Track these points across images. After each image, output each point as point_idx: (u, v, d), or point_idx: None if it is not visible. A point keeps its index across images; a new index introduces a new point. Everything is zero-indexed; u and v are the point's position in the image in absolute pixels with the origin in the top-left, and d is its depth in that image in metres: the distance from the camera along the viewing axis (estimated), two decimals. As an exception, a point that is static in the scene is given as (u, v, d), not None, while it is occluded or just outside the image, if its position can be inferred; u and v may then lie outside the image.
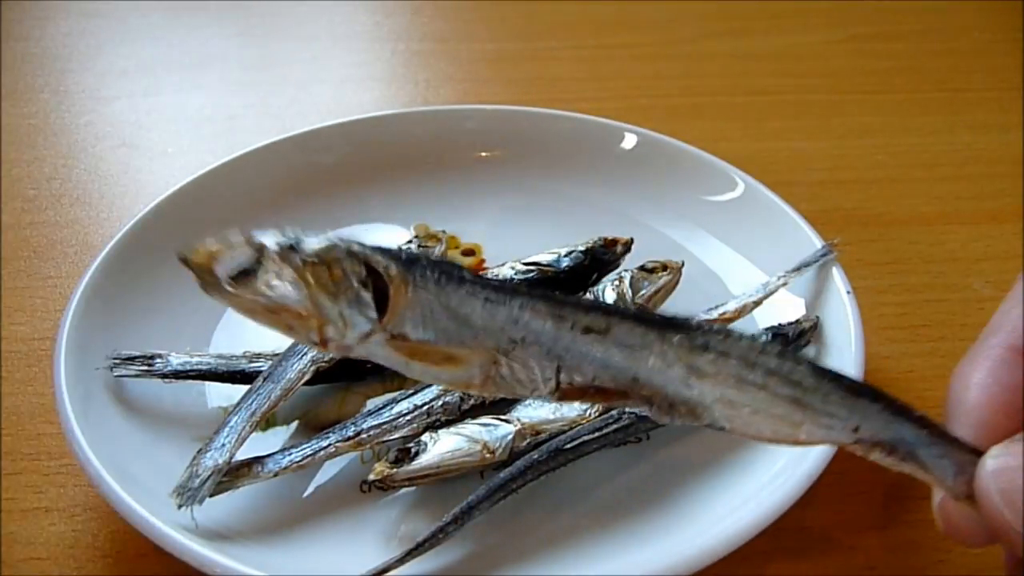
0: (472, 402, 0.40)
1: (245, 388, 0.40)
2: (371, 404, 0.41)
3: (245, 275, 0.27)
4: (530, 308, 0.28)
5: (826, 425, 0.28)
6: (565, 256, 0.47)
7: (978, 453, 0.28)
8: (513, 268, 0.46)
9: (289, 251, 0.27)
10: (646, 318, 0.28)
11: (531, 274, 0.46)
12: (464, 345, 0.28)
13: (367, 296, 0.27)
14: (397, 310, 0.27)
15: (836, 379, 0.28)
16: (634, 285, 0.45)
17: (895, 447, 0.28)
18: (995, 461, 0.27)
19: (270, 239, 0.27)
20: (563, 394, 0.28)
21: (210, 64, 0.77)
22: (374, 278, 0.27)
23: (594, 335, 0.28)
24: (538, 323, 0.28)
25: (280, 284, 0.27)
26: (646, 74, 0.75)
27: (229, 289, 0.27)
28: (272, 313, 0.27)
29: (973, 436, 0.29)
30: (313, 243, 0.27)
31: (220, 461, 0.36)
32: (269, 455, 0.37)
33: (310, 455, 0.37)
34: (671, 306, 0.46)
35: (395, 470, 0.36)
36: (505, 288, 0.28)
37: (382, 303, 0.27)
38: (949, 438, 0.28)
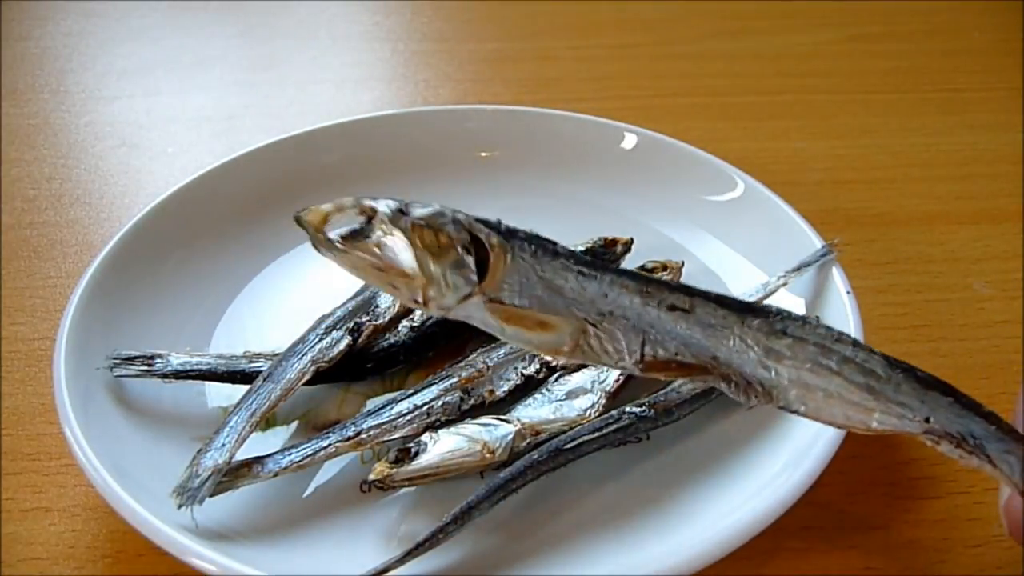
0: (472, 402, 0.40)
1: (245, 388, 0.40)
2: (371, 404, 0.41)
3: (355, 235, 0.29)
4: (619, 284, 0.29)
5: (898, 414, 0.29)
6: (565, 256, 0.47)
7: None
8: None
9: (399, 214, 0.29)
10: (727, 301, 0.30)
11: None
12: (556, 314, 0.29)
13: (469, 261, 0.29)
14: (496, 276, 0.29)
15: (909, 371, 0.29)
16: (634, 285, 0.45)
17: (964, 440, 0.29)
18: None
19: (381, 203, 0.29)
20: (647, 366, 0.30)
21: (210, 64, 0.77)
22: (476, 246, 0.29)
23: (678, 313, 0.29)
24: (626, 298, 0.29)
25: (389, 244, 0.29)
26: (646, 74, 0.75)
27: (340, 247, 0.29)
28: (380, 271, 0.29)
29: None
30: (421, 209, 0.29)
31: (220, 461, 0.36)
32: (269, 455, 0.37)
33: (310, 455, 0.37)
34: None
35: (395, 470, 0.36)
36: (596, 264, 0.29)
37: (482, 269, 0.29)
38: (1017, 435, 0.28)
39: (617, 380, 0.40)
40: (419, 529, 0.35)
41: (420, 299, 0.29)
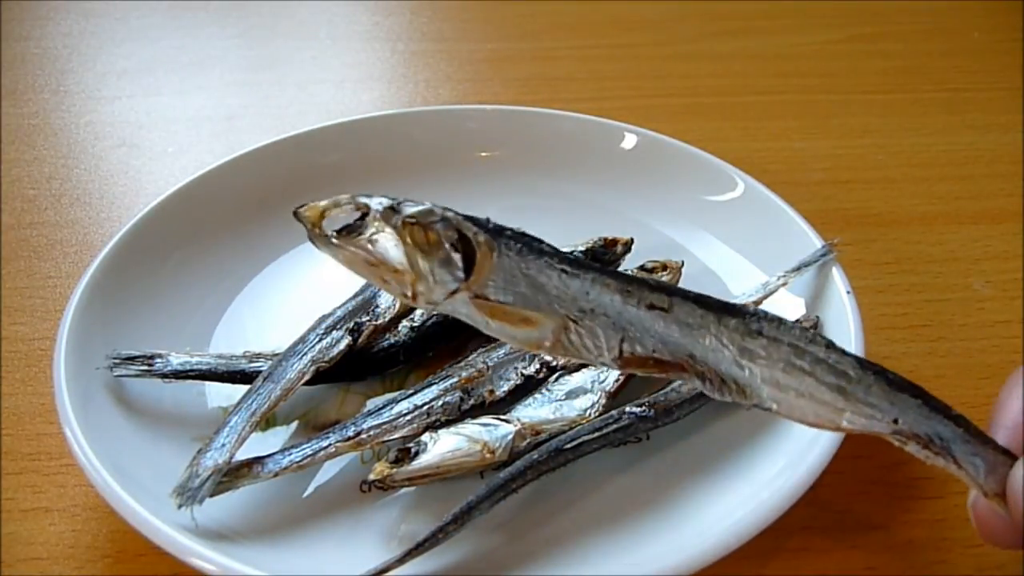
0: (472, 402, 0.40)
1: (245, 388, 0.40)
2: (371, 404, 0.41)
3: (350, 231, 0.30)
4: (601, 282, 0.30)
5: (867, 415, 0.30)
6: (565, 256, 0.47)
7: (1012, 456, 0.29)
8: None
9: (391, 212, 0.30)
10: (705, 301, 0.31)
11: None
12: (539, 310, 0.30)
13: (457, 258, 0.30)
14: (482, 273, 0.30)
15: (880, 373, 0.30)
16: (634, 285, 0.45)
17: (931, 441, 0.29)
18: None
19: (375, 201, 0.30)
20: (625, 362, 0.31)
21: (210, 64, 0.77)
22: (463, 243, 0.30)
23: (657, 311, 0.30)
24: (607, 296, 0.30)
25: (381, 241, 0.30)
26: (646, 74, 0.75)
27: (335, 242, 0.31)
28: (372, 266, 0.30)
29: (1010, 441, 0.30)
30: (412, 207, 0.30)
31: (220, 461, 0.36)
32: (269, 455, 0.37)
33: (310, 455, 0.37)
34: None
35: (395, 470, 0.36)
36: (579, 263, 0.31)
37: (469, 266, 0.30)
38: (984, 438, 0.29)
39: (617, 380, 0.40)
40: (419, 529, 0.35)
41: (409, 294, 0.30)
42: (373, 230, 0.30)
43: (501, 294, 0.30)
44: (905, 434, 0.29)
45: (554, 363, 0.42)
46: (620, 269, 0.47)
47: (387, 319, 0.44)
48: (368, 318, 0.43)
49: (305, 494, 0.38)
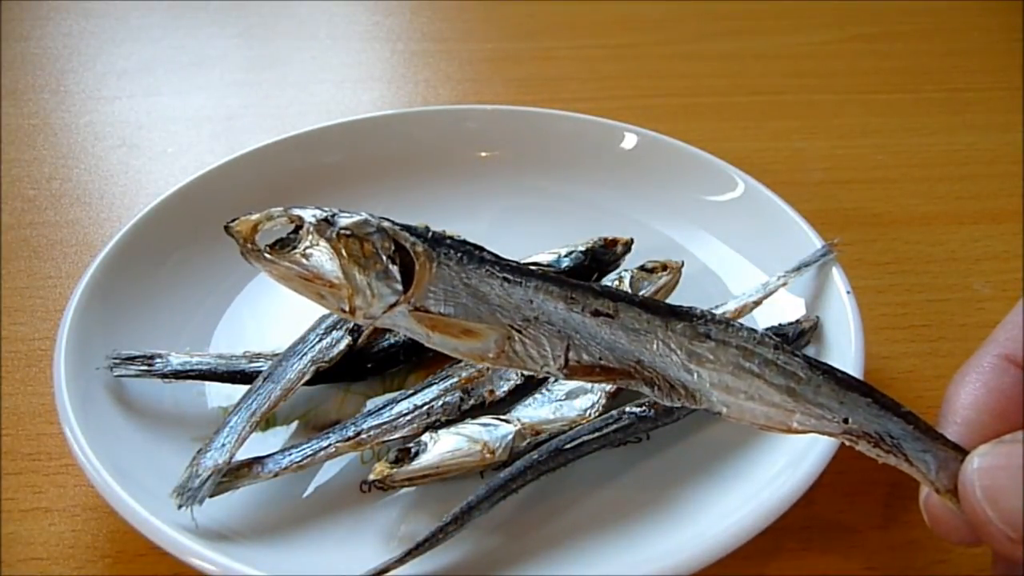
0: (472, 402, 0.40)
1: (245, 388, 0.40)
2: (371, 404, 0.41)
3: (283, 245, 0.30)
4: (544, 290, 0.30)
5: (817, 415, 0.29)
6: (565, 256, 0.47)
7: (962, 452, 0.29)
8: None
9: (325, 224, 0.29)
10: (651, 305, 0.30)
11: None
12: (481, 320, 0.30)
13: (394, 270, 0.29)
14: (421, 285, 0.29)
15: (829, 372, 0.30)
16: (634, 285, 0.45)
17: (881, 440, 0.29)
18: (980, 459, 0.28)
19: (308, 213, 0.30)
20: (571, 371, 0.30)
21: (210, 64, 0.77)
22: (401, 254, 0.29)
23: (603, 318, 0.30)
24: (551, 304, 0.30)
25: (315, 255, 0.29)
26: (646, 74, 0.75)
27: (268, 257, 0.30)
28: (306, 281, 0.30)
29: (960, 436, 0.30)
30: (347, 218, 0.29)
31: (220, 461, 0.36)
32: (269, 455, 0.37)
33: (310, 455, 0.37)
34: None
35: (395, 470, 0.36)
36: (522, 270, 0.30)
37: (408, 277, 0.29)
38: (934, 435, 0.29)
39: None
40: (419, 529, 0.35)
41: (347, 308, 0.30)
42: (307, 244, 0.30)
43: (442, 305, 0.30)
44: (855, 433, 0.29)
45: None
46: (620, 269, 0.47)
47: (387, 319, 0.44)
48: (368, 318, 0.43)
49: (305, 494, 0.38)
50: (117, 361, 0.41)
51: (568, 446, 0.38)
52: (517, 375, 0.41)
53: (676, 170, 0.54)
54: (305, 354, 0.41)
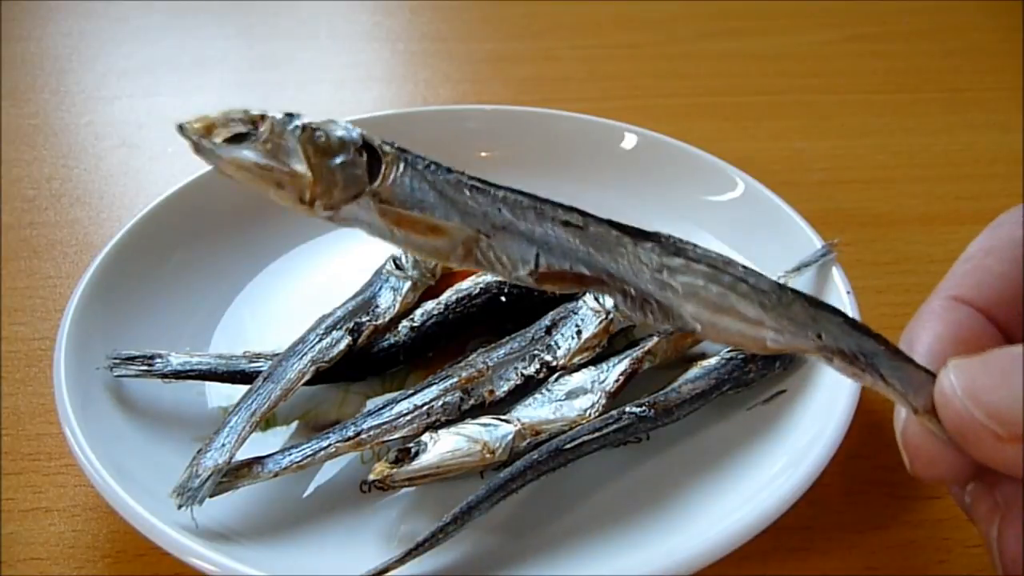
0: (472, 402, 0.40)
1: (245, 388, 0.40)
2: (371, 404, 0.41)
3: (240, 138, 0.28)
4: (512, 201, 0.30)
5: (791, 331, 0.29)
6: (565, 256, 0.47)
7: (933, 376, 0.28)
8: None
9: (287, 117, 0.28)
10: (621, 224, 0.30)
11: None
12: (448, 220, 0.29)
13: (361, 160, 0.28)
14: (388, 178, 0.29)
15: (798, 293, 0.29)
16: (634, 285, 0.45)
17: (856, 357, 0.29)
18: (956, 366, 0.27)
19: (272, 112, 0.28)
20: (542, 277, 0.30)
21: (210, 64, 0.77)
22: (368, 151, 0.29)
23: (573, 229, 0.30)
24: (520, 212, 0.30)
25: (275, 145, 0.28)
26: (646, 74, 0.75)
27: (222, 151, 0.28)
28: (264, 171, 0.28)
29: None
30: (313, 118, 0.29)
31: (220, 461, 0.36)
32: (269, 455, 0.37)
33: (310, 455, 0.37)
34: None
35: (395, 470, 0.36)
36: (491, 183, 0.30)
37: (374, 171, 0.29)
38: (906, 356, 0.29)
39: (617, 380, 0.40)
40: (419, 529, 0.35)
41: (307, 198, 0.28)
42: (266, 136, 0.28)
43: (408, 201, 0.29)
44: (830, 349, 0.29)
45: (554, 363, 0.42)
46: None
47: (387, 319, 0.44)
48: (368, 318, 0.43)
49: (305, 494, 0.38)
50: (117, 361, 0.41)
51: (568, 446, 0.38)
52: (517, 375, 0.41)
53: (676, 170, 0.54)
54: (305, 354, 0.41)
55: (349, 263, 0.49)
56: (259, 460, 0.37)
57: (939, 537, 0.38)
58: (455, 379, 0.40)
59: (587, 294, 0.45)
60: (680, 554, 0.33)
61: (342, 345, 0.42)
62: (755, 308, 0.29)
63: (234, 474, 0.36)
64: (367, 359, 0.43)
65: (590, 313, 0.43)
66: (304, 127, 0.28)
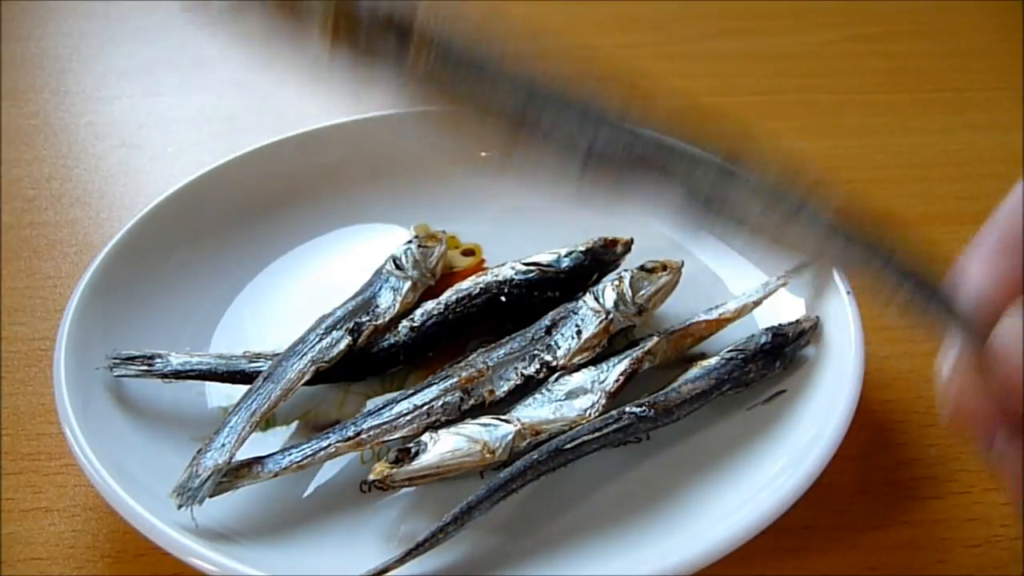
0: (472, 402, 0.40)
1: (245, 388, 0.40)
2: (371, 404, 0.41)
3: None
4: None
5: (858, 251, 0.31)
6: (565, 256, 0.47)
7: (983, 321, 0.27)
8: (513, 268, 0.46)
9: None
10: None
11: (531, 274, 0.46)
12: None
13: None
14: None
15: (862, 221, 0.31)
16: (634, 285, 0.45)
17: (918, 287, 0.30)
18: (1016, 315, 0.26)
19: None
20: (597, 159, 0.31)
21: (210, 64, 0.77)
22: None
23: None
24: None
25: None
26: (646, 74, 0.75)
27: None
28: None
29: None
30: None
31: (220, 461, 0.36)
32: (269, 455, 0.37)
33: (310, 455, 0.37)
34: (671, 306, 0.46)
35: (395, 470, 0.36)
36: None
37: None
38: (966, 299, 0.29)
39: (617, 380, 0.40)
40: (419, 529, 0.35)
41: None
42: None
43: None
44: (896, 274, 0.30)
45: (554, 363, 0.42)
46: (620, 269, 0.47)
47: (387, 319, 0.44)
48: (368, 318, 0.43)
49: (305, 494, 0.38)
50: (117, 361, 0.41)
51: (568, 446, 0.38)
52: (517, 375, 0.41)
53: (676, 170, 0.54)
54: (305, 354, 0.41)
55: (349, 263, 0.49)
56: (259, 460, 0.37)
57: (939, 537, 0.38)
58: (455, 379, 0.40)
59: (587, 294, 0.45)
60: (680, 554, 0.33)
61: (342, 345, 0.42)
62: (822, 227, 0.30)
63: (234, 474, 0.36)
64: (367, 359, 0.43)
65: (590, 313, 0.43)
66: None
